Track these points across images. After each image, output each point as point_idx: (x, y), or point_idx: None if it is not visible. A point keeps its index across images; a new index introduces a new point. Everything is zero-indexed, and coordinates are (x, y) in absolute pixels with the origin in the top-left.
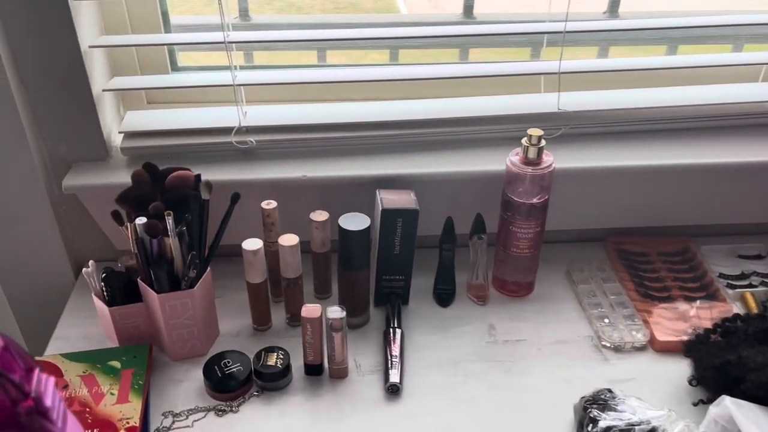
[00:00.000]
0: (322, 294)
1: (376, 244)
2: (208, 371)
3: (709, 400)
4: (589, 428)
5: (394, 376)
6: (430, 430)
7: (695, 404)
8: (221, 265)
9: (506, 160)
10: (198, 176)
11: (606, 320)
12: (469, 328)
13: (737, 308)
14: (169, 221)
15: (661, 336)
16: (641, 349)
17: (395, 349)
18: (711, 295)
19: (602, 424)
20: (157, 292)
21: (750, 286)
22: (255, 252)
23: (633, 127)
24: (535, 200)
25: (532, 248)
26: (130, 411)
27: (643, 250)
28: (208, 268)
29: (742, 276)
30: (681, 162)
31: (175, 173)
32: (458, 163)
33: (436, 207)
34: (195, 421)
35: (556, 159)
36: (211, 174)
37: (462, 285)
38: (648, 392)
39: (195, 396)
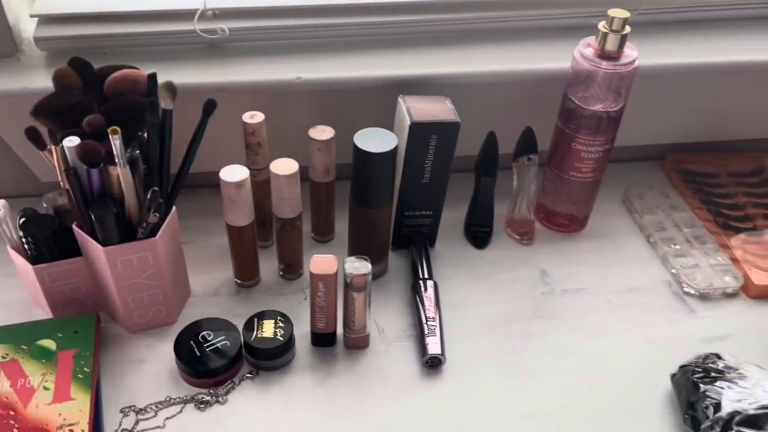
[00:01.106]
0: (322, 236)
1: (398, 170)
2: (181, 348)
3: None
4: (708, 413)
5: (433, 346)
6: (488, 418)
7: None
8: (186, 198)
9: (574, 53)
10: (152, 76)
11: (685, 260)
12: (517, 276)
13: None
14: (116, 142)
15: (759, 278)
16: (733, 295)
17: (430, 309)
18: None
19: (727, 407)
20: (103, 244)
21: None
22: (239, 185)
23: (713, 14)
24: (609, 108)
25: (595, 172)
26: (74, 412)
27: (710, 171)
28: (174, 208)
29: None
30: (762, 58)
31: (117, 73)
32: (504, 60)
33: (472, 119)
34: (167, 418)
35: None
36: (167, 76)
37: (499, 219)
38: (757, 354)
39: (165, 383)
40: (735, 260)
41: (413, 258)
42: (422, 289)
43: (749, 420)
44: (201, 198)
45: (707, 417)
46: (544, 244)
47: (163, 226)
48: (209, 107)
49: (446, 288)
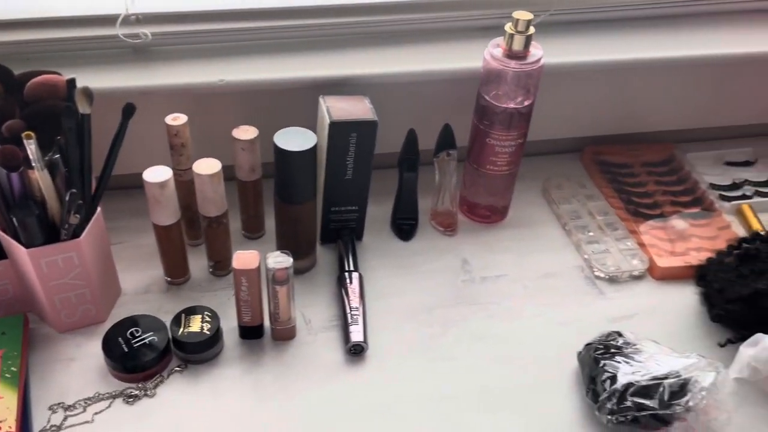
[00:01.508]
0: (252, 233)
1: (321, 167)
2: (109, 345)
3: (737, 339)
4: (606, 385)
5: (356, 334)
6: (408, 400)
7: (723, 345)
8: (117, 200)
9: (484, 54)
10: (71, 81)
11: (596, 246)
12: (439, 265)
13: (735, 223)
14: (30, 146)
15: (662, 261)
16: (639, 277)
17: (354, 299)
18: (706, 210)
19: (622, 379)
20: (26, 246)
21: (744, 197)
22: (162, 185)
23: (620, 14)
24: (518, 104)
25: (511, 165)
26: (2, 410)
27: (625, 161)
28: (98, 209)
29: (734, 186)
30: (670, 55)
31: (37, 78)
32: (421, 60)
33: (394, 117)
34: (96, 413)
35: None
36: (91, 80)
37: (424, 212)
38: (656, 330)
39: (94, 379)
40: (642, 245)
41: (340, 251)
42: (347, 281)
43: (641, 390)
44: (132, 198)
45: (605, 389)
46: (466, 235)
47: (88, 227)
48: (128, 111)
49: (373, 279)
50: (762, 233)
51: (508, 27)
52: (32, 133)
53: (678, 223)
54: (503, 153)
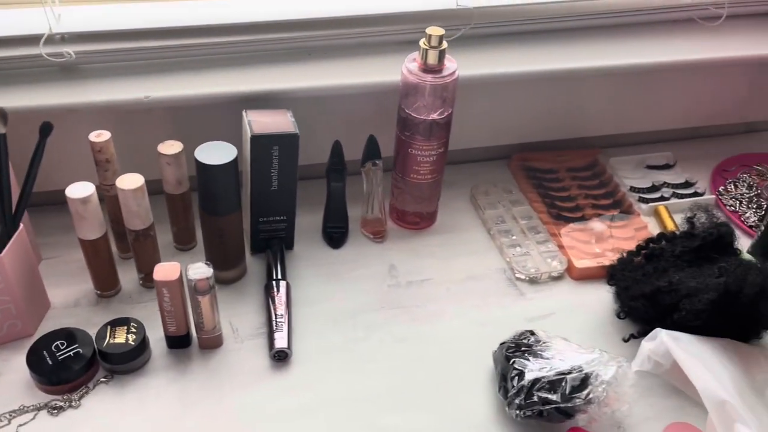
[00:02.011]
0: (184, 245)
1: (247, 179)
2: (33, 359)
3: (640, 334)
4: (515, 382)
5: (280, 341)
6: (329, 402)
7: (626, 340)
8: (49, 216)
9: (401, 68)
10: None
11: (518, 249)
12: (367, 272)
13: (652, 224)
14: None
15: (579, 262)
16: (558, 278)
17: (280, 307)
18: (625, 212)
19: (529, 376)
20: None
21: (662, 198)
22: (84, 200)
23: (540, 26)
24: (436, 115)
25: (434, 173)
26: None
27: (551, 167)
28: (21, 226)
29: (653, 188)
30: (592, 65)
31: None
32: (344, 74)
33: (320, 129)
34: (20, 425)
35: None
36: (14, 99)
37: (355, 220)
38: (571, 328)
39: (20, 392)
40: (562, 247)
41: (268, 261)
42: (274, 289)
43: (547, 386)
44: (64, 214)
45: (513, 386)
46: (395, 241)
47: (9, 244)
48: (45, 130)
49: (301, 287)
50: (667, 233)
51: (422, 42)
52: None
53: (596, 225)
54: (425, 162)
